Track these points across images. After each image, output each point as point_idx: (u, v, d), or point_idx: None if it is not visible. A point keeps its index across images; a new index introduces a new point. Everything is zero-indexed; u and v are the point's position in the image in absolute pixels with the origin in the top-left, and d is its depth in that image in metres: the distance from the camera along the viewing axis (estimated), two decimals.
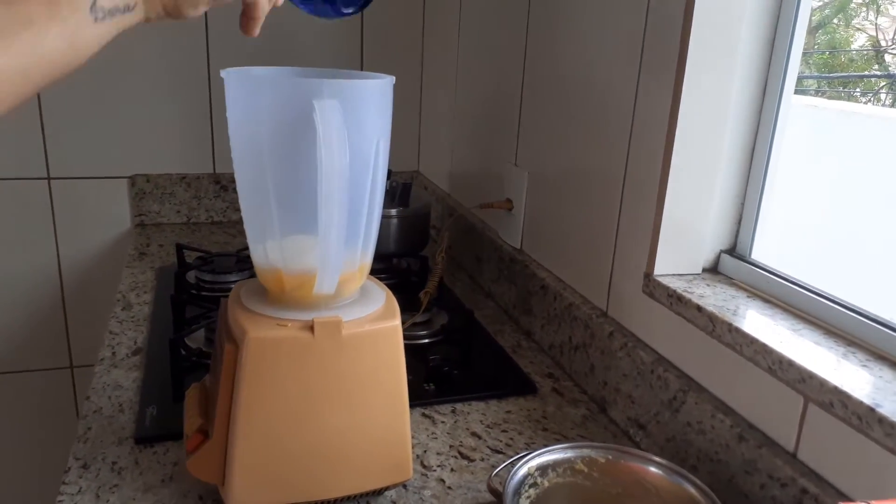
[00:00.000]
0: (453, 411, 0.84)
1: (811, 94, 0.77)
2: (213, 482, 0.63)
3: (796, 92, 0.74)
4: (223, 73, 0.57)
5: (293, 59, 1.48)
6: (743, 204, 0.78)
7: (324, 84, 0.53)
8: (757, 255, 0.78)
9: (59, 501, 0.65)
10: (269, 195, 0.58)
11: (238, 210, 1.53)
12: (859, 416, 0.53)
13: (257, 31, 0.58)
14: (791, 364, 0.59)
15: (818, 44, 0.77)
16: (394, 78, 0.60)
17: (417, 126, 1.62)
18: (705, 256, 0.79)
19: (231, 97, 0.58)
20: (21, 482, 1.58)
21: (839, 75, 1.02)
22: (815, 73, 0.81)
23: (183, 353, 0.90)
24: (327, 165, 0.53)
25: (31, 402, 1.54)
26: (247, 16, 0.57)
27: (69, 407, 1.57)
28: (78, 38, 0.45)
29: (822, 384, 0.56)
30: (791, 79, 0.73)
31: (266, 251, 0.61)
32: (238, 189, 0.62)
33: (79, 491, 0.66)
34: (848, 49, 1.02)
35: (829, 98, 0.96)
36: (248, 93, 0.57)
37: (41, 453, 1.58)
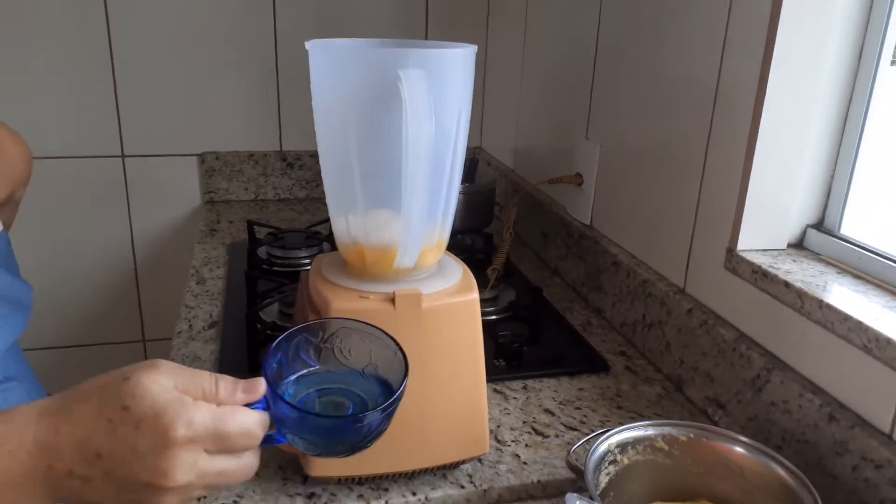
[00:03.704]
0: (525, 388, 0.83)
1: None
2: (294, 453, 0.64)
3: None
4: (308, 45, 0.57)
5: (357, 30, 1.48)
6: (832, 176, 0.75)
7: (410, 53, 0.53)
8: (846, 229, 0.74)
9: None
10: (352, 168, 0.58)
11: (304, 187, 1.55)
12: None
13: None
14: (889, 342, 0.56)
15: None
16: (476, 47, 0.59)
17: (480, 100, 1.61)
18: (791, 231, 0.76)
19: (315, 69, 0.58)
20: None
21: None
22: None
23: (258, 326, 0.91)
24: (413, 136, 0.52)
25: None
26: None
27: None
28: None
29: None
30: (890, 44, 0.69)
31: (348, 225, 0.61)
32: (321, 163, 0.62)
33: None
34: None
35: None
36: (333, 64, 0.57)
37: None
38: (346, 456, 0.50)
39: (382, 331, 0.51)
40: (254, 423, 0.46)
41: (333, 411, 0.51)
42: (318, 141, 0.61)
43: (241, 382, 0.47)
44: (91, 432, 0.42)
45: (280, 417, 0.47)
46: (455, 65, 0.57)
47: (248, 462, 0.47)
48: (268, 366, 0.48)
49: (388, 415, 0.49)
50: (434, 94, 0.54)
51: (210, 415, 0.44)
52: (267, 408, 0.47)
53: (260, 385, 0.47)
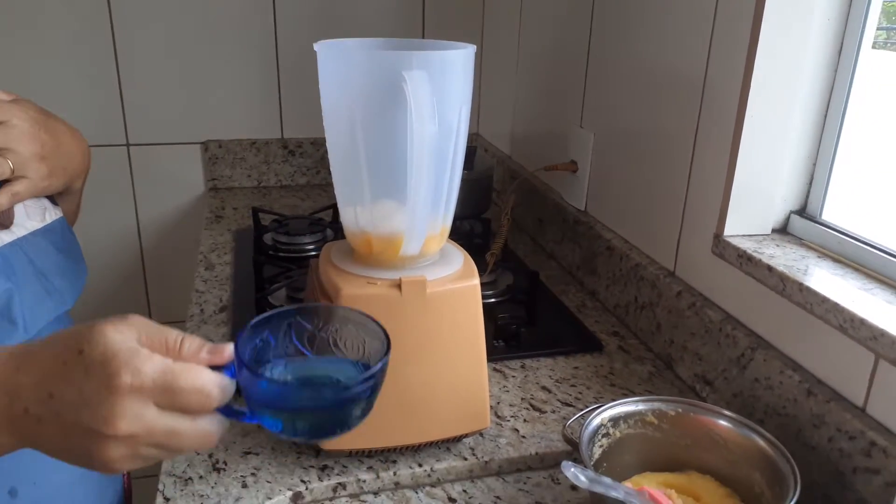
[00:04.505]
0: (523, 367, 0.88)
1: (878, 43, 0.76)
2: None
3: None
4: (316, 46, 0.60)
5: (356, 27, 1.51)
6: (815, 164, 0.79)
7: (413, 56, 0.56)
8: (827, 215, 0.78)
9: None
10: (360, 162, 0.62)
11: (304, 174, 1.59)
12: None
13: None
14: (863, 322, 0.60)
15: None
16: (475, 47, 0.62)
17: (478, 87, 1.63)
18: (775, 217, 0.80)
19: (324, 69, 0.61)
20: None
21: None
22: (884, 24, 0.79)
23: (267, 310, 0.95)
24: (417, 133, 0.56)
25: None
26: None
27: None
28: None
29: (893, 342, 0.57)
30: (869, 33, 0.73)
31: (356, 215, 0.65)
32: (330, 157, 0.66)
33: None
34: None
35: None
36: (340, 65, 0.60)
37: None
38: (322, 438, 0.49)
39: (374, 320, 0.49)
40: (209, 381, 0.44)
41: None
42: (327, 137, 0.65)
43: (208, 344, 0.46)
44: (47, 373, 0.43)
45: (255, 394, 0.45)
46: (456, 65, 0.60)
47: (204, 427, 0.45)
48: (242, 340, 0.46)
49: (372, 389, 0.47)
50: (436, 92, 0.58)
51: (161, 367, 0.42)
52: (234, 376, 0.45)
53: (226, 350, 0.46)
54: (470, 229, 1.27)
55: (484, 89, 1.61)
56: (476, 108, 1.65)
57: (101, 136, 1.47)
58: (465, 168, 1.21)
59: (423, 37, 1.56)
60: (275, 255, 1.16)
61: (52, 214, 0.73)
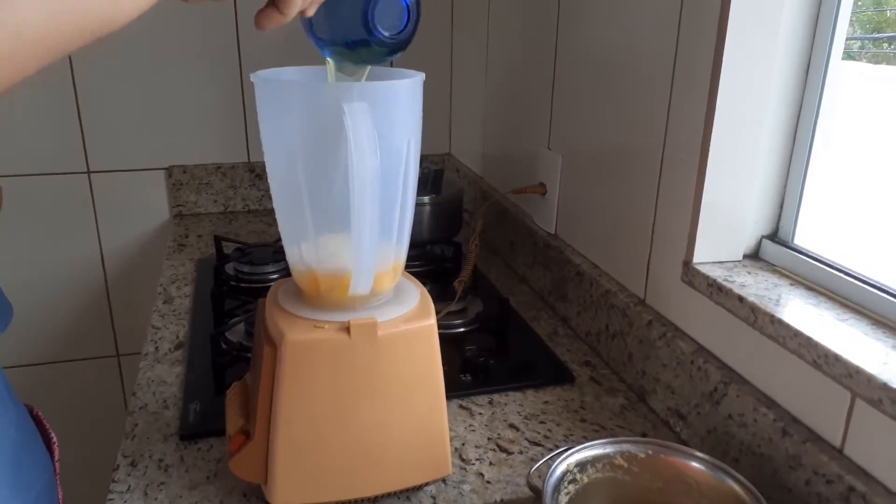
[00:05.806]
0: (490, 402, 0.84)
1: (854, 53, 0.73)
2: (256, 482, 0.64)
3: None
4: (253, 77, 0.57)
5: None
6: (785, 186, 0.76)
7: (353, 87, 0.53)
8: (800, 240, 0.75)
9: (110, 500, 0.67)
10: (301, 196, 0.58)
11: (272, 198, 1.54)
12: None
13: (273, 25, 0.53)
14: (837, 359, 0.57)
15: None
16: (423, 75, 0.59)
17: (448, 108, 1.61)
18: (746, 243, 0.77)
19: (261, 102, 0.58)
20: (70, 471, 1.64)
21: (888, 35, 0.96)
22: (860, 33, 0.77)
23: (224, 346, 0.91)
24: (358, 168, 0.53)
25: (79, 392, 1.59)
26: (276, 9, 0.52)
27: (117, 394, 1.61)
28: (122, 2, 0.43)
29: (869, 380, 0.54)
30: (838, 46, 0.70)
31: (301, 252, 0.61)
32: (272, 191, 0.62)
33: (128, 489, 0.68)
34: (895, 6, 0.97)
35: (874, 58, 0.91)
36: (279, 98, 0.57)
37: (91, 441, 1.63)
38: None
39: None
40: None
41: None
42: (268, 171, 0.61)
43: None
44: None
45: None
46: (401, 95, 0.57)
47: None
48: None
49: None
50: (381, 124, 0.54)
51: None
52: None
53: None
54: (441, 253, 1.24)
55: (455, 108, 1.58)
56: (448, 127, 1.62)
57: (61, 164, 1.42)
58: (432, 192, 1.19)
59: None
60: (236, 286, 1.12)
61: None
